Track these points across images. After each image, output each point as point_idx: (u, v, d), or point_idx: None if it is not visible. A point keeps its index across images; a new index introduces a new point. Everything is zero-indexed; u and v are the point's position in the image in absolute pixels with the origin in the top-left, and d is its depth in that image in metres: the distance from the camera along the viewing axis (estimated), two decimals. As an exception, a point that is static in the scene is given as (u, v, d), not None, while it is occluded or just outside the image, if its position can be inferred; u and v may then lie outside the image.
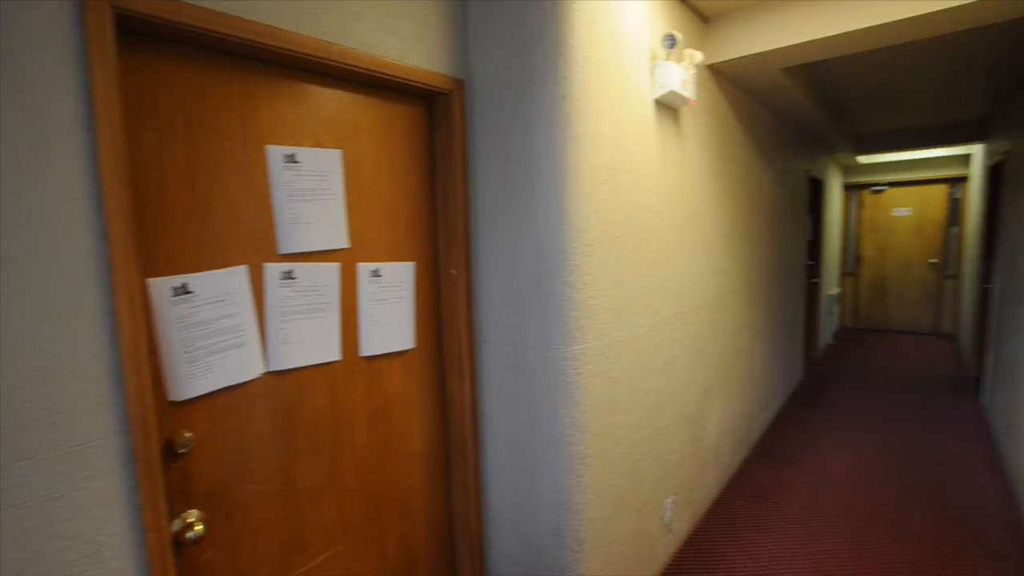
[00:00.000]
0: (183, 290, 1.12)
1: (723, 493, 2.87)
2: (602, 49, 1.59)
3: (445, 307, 1.73)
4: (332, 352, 1.42)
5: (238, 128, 1.23)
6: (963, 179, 6.27)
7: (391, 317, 1.57)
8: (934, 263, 6.50)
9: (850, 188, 6.99)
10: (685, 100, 1.97)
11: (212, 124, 1.18)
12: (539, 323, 1.57)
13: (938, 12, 1.83)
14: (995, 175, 4.19)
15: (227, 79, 1.21)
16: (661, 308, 2.01)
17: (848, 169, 6.89)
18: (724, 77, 2.57)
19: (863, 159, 6.43)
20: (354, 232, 1.47)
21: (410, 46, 1.51)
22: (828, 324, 6.10)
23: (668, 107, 2.00)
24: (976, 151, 5.53)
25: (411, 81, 1.51)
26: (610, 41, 1.62)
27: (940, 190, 6.49)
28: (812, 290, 5.29)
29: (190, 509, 1.16)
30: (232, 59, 1.22)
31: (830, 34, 2.03)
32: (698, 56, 1.98)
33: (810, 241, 5.15)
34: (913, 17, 1.87)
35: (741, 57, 2.27)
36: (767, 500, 2.80)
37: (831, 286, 6.27)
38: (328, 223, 1.39)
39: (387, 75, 1.45)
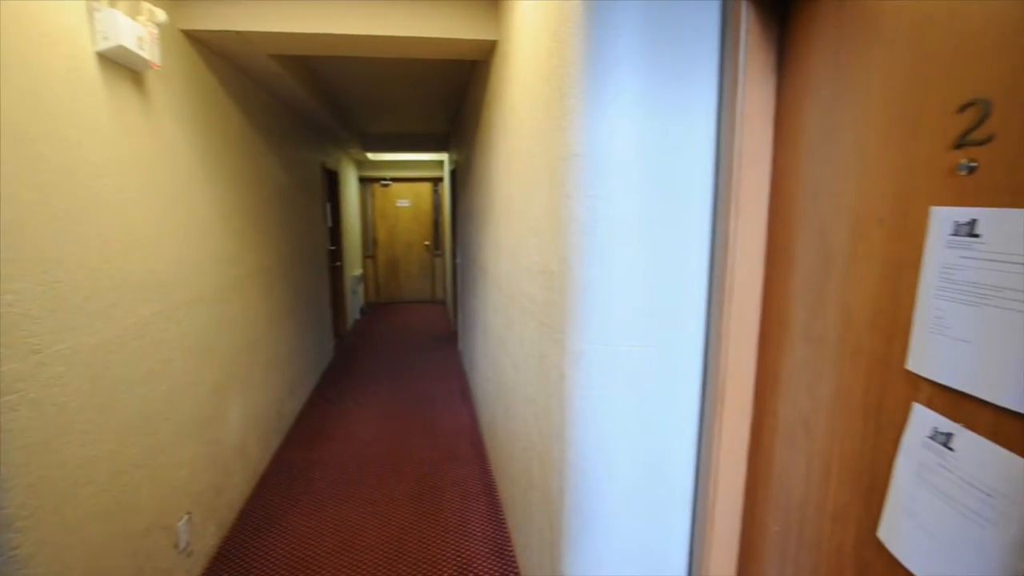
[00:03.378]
0: None
1: (257, 488, 2.78)
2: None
3: None
4: None
5: None
6: (441, 179, 8.09)
7: None
8: (427, 244, 8.19)
9: (364, 181, 7.93)
10: (146, 63, 1.69)
11: None
12: (-101, 351, 1.04)
13: (381, 37, 2.19)
14: (454, 178, 5.55)
15: None
16: (138, 306, 1.70)
17: (361, 164, 7.78)
18: (211, 51, 2.37)
19: (372, 156, 7.39)
20: None
21: None
22: (355, 302, 6.80)
23: (124, 67, 1.67)
24: (445, 158, 7.20)
25: None
26: (1, -45, 1.20)
27: (427, 187, 8.17)
28: (337, 272, 5.75)
29: None
30: None
31: (295, 31, 2.13)
32: (159, 14, 1.73)
33: (331, 227, 5.56)
34: (361, 35, 2.17)
35: (221, 31, 2.13)
36: (302, 479, 2.88)
37: (355, 267, 6.99)
38: None
39: None
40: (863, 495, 0.91)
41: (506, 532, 2.38)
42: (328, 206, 5.43)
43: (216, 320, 2.35)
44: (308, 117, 4.23)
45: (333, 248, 5.64)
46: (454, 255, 5.79)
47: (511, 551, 2.25)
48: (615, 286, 1.15)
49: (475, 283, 3.50)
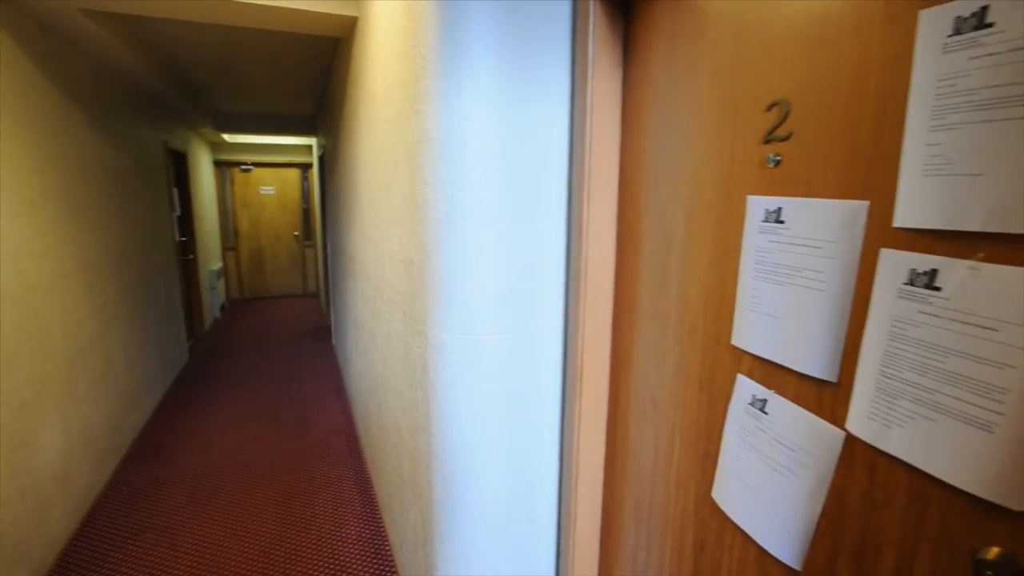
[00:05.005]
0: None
1: (87, 520, 2.40)
2: None
3: None
4: None
5: None
6: (310, 165, 7.57)
7: None
8: (297, 235, 7.65)
9: (221, 165, 7.16)
10: None
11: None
12: None
13: (222, 1, 1.96)
14: (323, 163, 5.21)
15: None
16: None
17: (216, 146, 7.01)
18: (7, 4, 1.95)
19: (229, 137, 6.69)
20: None
21: None
22: (214, 299, 6.15)
23: None
24: (314, 142, 6.74)
25: None
26: None
27: (295, 173, 7.60)
28: (190, 266, 5.16)
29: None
30: None
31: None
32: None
33: (180, 216, 4.95)
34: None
35: (8, -24, 1.76)
36: (146, 502, 2.54)
37: (213, 261, 6.32)
38: None
39: None
40: (700, 461, 1.00)
41: (383, 532, 2.31)
42: (176, 192, 4.83)
43: (20, 327, 1.96)
44: (146, 90, 3.70)
45: (184, 239, 5.04)
46: (325, 245, 5.46)
47: (388, 551, 2.19)
48: (475, 275, 1.13)
49: (346, 274, 3.32)
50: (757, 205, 0.82)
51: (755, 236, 0.83)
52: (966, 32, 0.55)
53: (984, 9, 0.53)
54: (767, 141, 0.80)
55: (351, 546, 2.23)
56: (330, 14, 2.12)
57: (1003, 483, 0.55)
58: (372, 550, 2.21)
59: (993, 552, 0.57)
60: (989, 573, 0.56)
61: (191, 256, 5.19)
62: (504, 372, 1.20)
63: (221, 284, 6.64)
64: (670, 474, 1.08)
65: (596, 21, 1.08)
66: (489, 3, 1.06)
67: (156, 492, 2.63)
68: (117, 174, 3.14)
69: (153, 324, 3.67)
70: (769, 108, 0.80)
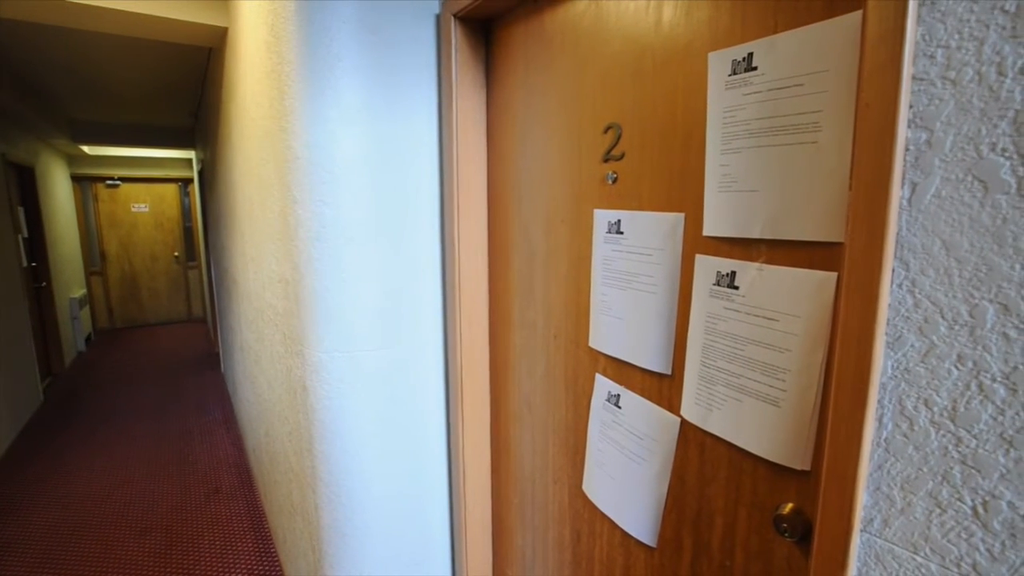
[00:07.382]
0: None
1: (-94, 598, 2.04)
2: None
3: None
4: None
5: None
6: (191, 180, 7.01)
7: None
8: (177, 256, 7.03)
9: (82, 180, 6.43)
10: None
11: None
12: None
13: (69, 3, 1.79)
14: (203, 179, 4.86)
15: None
16: None
17: (75, 159, 6.29)
18: None
19: (90, 150, 6.03)
20: None
21: None
22: (77, 330, 5.48)
23: None
24: (193, 155, 6.26)
25: None
26: None
27: (173, 188, 7.00)
28: (42, 295, 4.56)
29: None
30: None
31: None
32: None
33: (29, 238, 4.38)
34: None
35: None
36: (-13, 569, 2.21)
37: (74, 287, 5.64)
38: None
39: None
40: (571, 457, 1.06)
41: (278, 566, 2.18)
42: (22, 211, 4.27)
43: None
44: (-25, 96, 3.24)
45: (34, 264, 4.45)
46: (210, 266, 5.08)
47: (284, 585, 2.07)
48: (349, 292, 1.13)
49: (230, 296, 3.12)
50: (601, 218, 0.91)
51: (602, 246, 0.91)
52: (740, 73, 0.66)
53: (751, 55, 0.64)
54: (606, 160, 0.89)
55: (242, 586, 2.09)
56: (197, 23, 2.01)
57: (788, 448, 0.65)
58: (265, 587, 2.08)
59: (788, 508, 0.67)
60: (785, 526, 0.66)
61: (44, 283, 4.59)
62: (386, 387, 1.20)
63: (86, 313, 5.93)
64: (547, 473, 1.14)
65: (458, 45, 1.14)
66: (352, 25, 1.07)
67: None
68: (-59, 193, 2.72)
69: (-5, 363, 3.20)
70: (606, 131, 0.88)
